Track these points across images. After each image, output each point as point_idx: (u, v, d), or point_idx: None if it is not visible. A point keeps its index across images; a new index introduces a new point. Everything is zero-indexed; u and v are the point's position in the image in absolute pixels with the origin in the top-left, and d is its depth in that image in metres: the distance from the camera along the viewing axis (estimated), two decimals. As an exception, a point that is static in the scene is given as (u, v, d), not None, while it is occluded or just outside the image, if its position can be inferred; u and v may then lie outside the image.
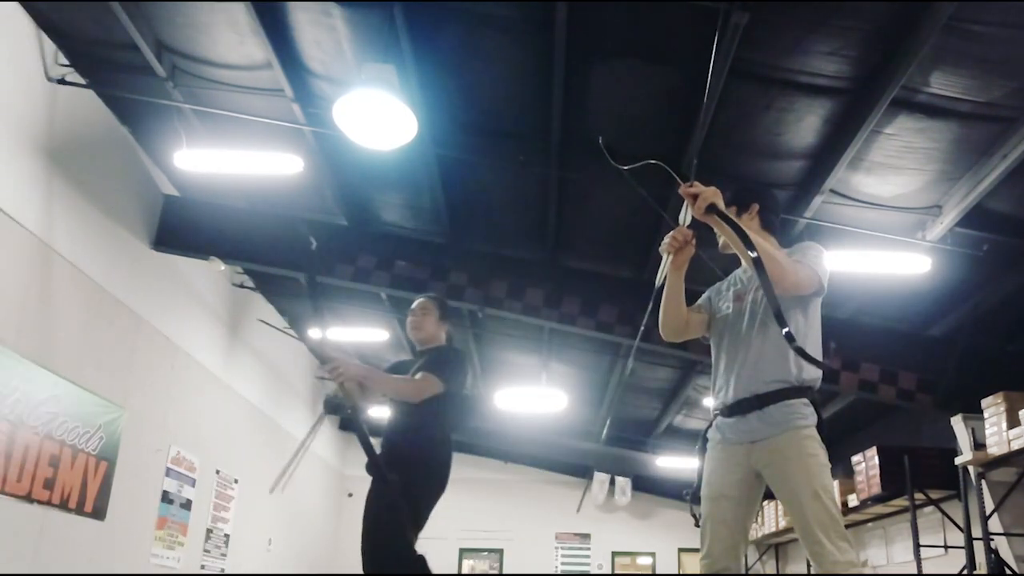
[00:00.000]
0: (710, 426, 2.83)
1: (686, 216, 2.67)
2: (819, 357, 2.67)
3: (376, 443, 3.54)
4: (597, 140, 2.85)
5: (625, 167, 2.75)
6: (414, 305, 3.91)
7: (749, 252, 2.49)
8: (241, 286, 8.80)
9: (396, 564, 3.36)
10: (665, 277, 2.79)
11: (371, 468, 3.47)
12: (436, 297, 4.00)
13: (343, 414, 3.51)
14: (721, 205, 2.58)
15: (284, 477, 3.72)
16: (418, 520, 3.50)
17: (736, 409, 2.69)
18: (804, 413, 2.60)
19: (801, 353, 2.45)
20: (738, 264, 2.95)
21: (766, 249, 2.58)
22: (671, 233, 2.72)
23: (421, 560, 3.42)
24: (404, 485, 3.40)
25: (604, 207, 7.03)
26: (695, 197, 2.55)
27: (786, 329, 2.42)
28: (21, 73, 5.83)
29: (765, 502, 9.83)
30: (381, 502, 3.45)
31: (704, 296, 3.02)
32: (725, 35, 4.54)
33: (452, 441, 3.66)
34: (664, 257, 2.76)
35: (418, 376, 3.60)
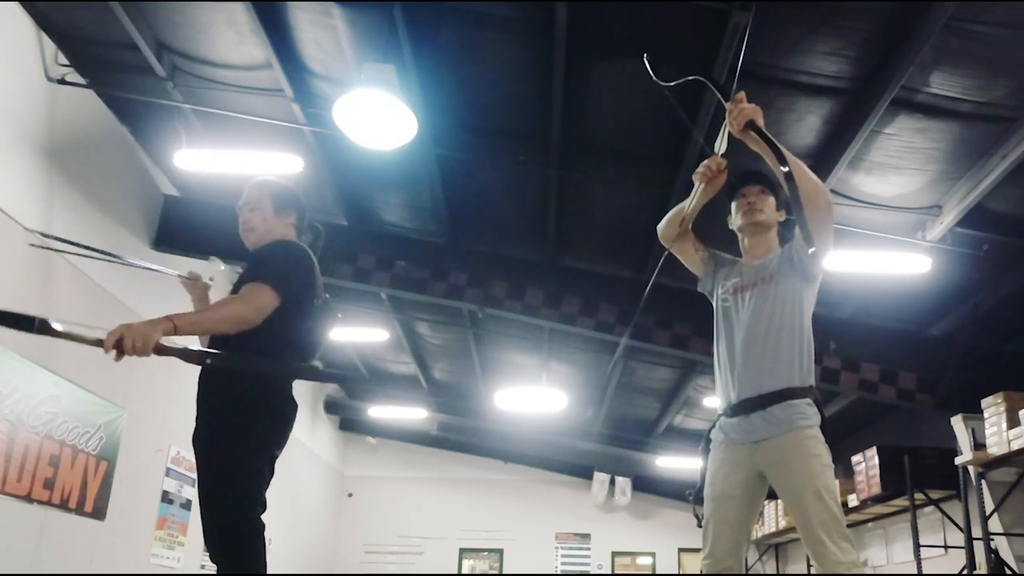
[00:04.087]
0: (713, 426, 2.84)
1: (722, 143, 2.70)
2: (812, 354, 2.71)
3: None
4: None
5: (669, 83, 2.81)
6: (240, 201, 2.97)
7: (782, 168, 2.45)
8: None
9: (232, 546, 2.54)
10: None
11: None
12: (267, 182, 3.01)
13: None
14: (760, 123, 2.55)
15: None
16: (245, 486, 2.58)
17: (739, 409, 2.69)
18: (807, 413, 2.60)
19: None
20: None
21: (801, 167, 2.56)
22: (705, 162, 2.79)
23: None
24: (219, 431, 2.59)
25: (604, 207, 7.03)
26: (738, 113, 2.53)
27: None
28: (21, 73, 5.83)
29: (766, 502, 9.83)
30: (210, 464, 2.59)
31: (712, 252, 3.04)
32: (725, 35, 4.54)
33: (296, 370, 2.72)
34: (696, 184, 2.82)
35: (242, 291, 2.63)
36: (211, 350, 2.52)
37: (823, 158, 5.60)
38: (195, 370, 2.67)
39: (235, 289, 2.73)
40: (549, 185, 6.56)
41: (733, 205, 2.94)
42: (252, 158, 6.39)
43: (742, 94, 2.57)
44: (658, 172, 6.25)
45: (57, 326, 2.25)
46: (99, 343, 2.30)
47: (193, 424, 2.69)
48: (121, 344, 2.28)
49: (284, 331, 2.63)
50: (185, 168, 6.73)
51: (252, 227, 2.92)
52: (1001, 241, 5.99)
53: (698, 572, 2.71)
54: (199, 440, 2.64)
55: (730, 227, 2.99)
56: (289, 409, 2.73)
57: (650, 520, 14.21)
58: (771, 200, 2.91)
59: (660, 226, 3.02)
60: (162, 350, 2.35)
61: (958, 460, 6.73)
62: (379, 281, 7.76)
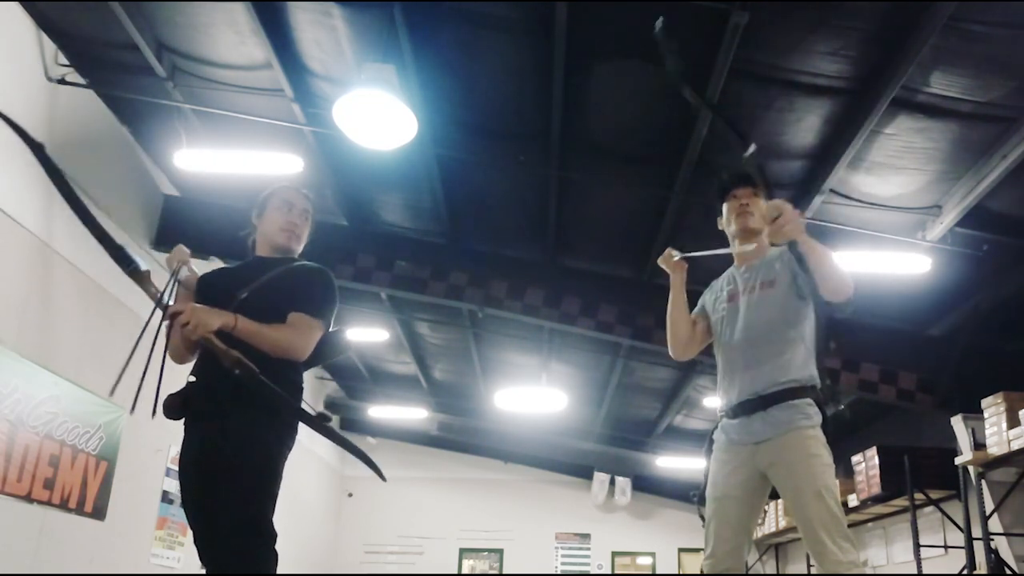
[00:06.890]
0: (716, 427, 2.84)
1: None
2: (813, 352, 2.77)
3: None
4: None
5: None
6: (298, 205, 2.93)
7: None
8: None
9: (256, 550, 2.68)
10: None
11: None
12: (307, 196, 3.03)
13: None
14: (802, 239, 2.59)
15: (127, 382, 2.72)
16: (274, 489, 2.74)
17: (740, 410, 2.70)
18: (807, 413, 2.61)
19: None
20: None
21: (830, 257, 2.65)
22: (660, 259, 3.00)
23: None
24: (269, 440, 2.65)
25: (604, 207, 7.02)
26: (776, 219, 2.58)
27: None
28: (21, 73, 5.83)
29: (767, 501, 9.82)
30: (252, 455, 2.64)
31: (700, 302, 3.06)
32: (725, 35, 4.54)
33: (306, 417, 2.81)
34: (671, 278, 2.99)
35: (292, 318, 2.64)
36: (247, 362, 2.50)
37: (823, 158, 5.61)
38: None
39: (270, 290, 2.71)
40: (549, 185, 6.56)
41: (725, 207, 2.96)
42: (252, 158, 6.39)
43: (787, 206, 2.55)
44: (658, 172, 6.25)
45: (147, 281, 2.67)
46: (164, 307, 2.56)
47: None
48: (179, 317, 2.48)
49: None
50: (185, 168, 6.73)
51: (299, 236, 2.92)
52: (1001, 241, 5.99)
53: (698, 572, 2.72)
54: (231, 442, 2.64)
55: (719, 227, 3.01)
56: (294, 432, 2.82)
57: (650, 520, 14.21)
58: (762, 202, 2.91)
59: (671, 348, 3.09)
60: (209, 341, 2.45)
61: (958, 460, 6.73)
62: (379, 281, 7.76)
